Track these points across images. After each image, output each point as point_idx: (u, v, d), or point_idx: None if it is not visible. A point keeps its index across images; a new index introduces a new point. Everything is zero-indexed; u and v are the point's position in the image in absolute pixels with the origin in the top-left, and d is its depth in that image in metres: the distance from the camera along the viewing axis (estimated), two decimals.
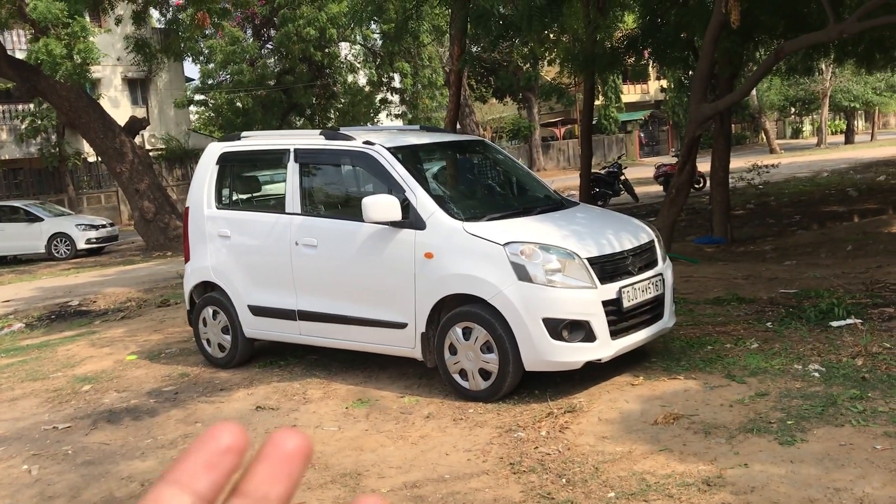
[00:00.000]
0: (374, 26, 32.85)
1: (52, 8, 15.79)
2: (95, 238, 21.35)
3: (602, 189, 20.27)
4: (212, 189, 7.19)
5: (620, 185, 20.97)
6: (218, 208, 7.17)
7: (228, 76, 32.71)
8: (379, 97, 36.26)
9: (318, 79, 33.49)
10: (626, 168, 22.21)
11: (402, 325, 5.92)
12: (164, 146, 33.11)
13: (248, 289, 6.92)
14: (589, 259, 5.42)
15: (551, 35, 12.98)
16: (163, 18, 23.48)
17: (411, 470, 4.62)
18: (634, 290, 5.62)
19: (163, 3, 22.22)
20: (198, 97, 34.61)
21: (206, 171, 7.24)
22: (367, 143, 6.22)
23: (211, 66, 32.56)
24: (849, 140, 47.41)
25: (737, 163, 17.32)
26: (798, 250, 11.56)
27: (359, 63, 34.60)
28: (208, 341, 7.34)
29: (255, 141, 7.16)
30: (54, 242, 20.89)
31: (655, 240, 6.13)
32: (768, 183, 20.85)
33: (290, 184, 6.60)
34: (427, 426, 5.28)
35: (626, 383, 5.67)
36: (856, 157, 32.83)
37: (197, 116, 41.09)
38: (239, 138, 7.24)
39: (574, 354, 5.34)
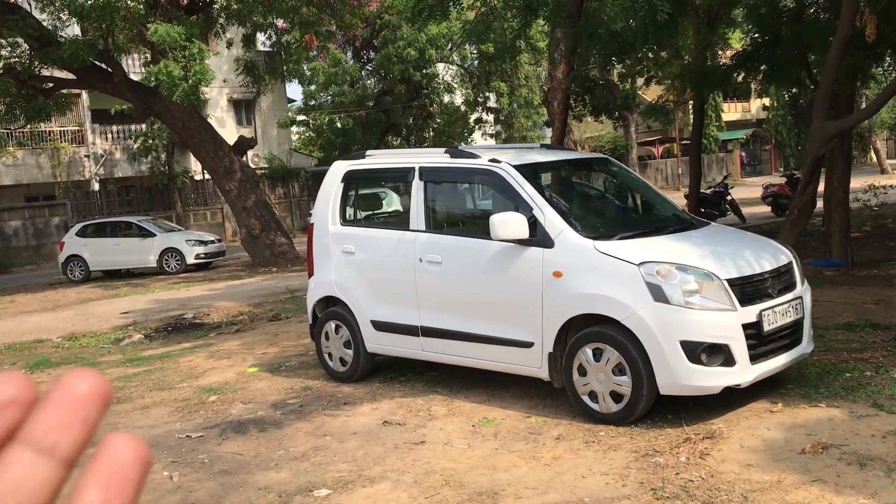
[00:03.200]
0: (472, 47, 33.16)
1: (171, 32, 16.47)
2: (204, 253, 22.04)
3: (708, 209, 19.78)
4: (336, 206, 7.31)
5: (727, 206, 20.44)
6: (342, 225, 7.29)
7: (330, 97, 33.46)
8: (474, 117, 36.45)
9: (415, 99, 33.92)
10: (732, 188, 21.66)
11: (529, 345, 5.87)
12: (266, 165, 34.04)
13: (370, 304, 6.99)
14: (728, 280, 5.26)
15: (664, 54, 12.79)
16: (267, 42, 24.25)
17: (548, 491, 4.55)
18: (774, 313, 5.42)
19: (269, 27, 22.95)
20: (300, 118, 35.47)
21: (331, 189, 7.37)
22: (493, 161, 6.22)
23: (313, 87, 33.37)
24: None
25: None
26: None
27: (455, 83, 34.90)
28: (330, 355, 7.44)
29: (380, 160, 7.27)
30: (165, 257, 21.66)
31: (794, 261, 5.92)
32: (884, 204, 19.97)
33: (414, 201, 6.66)
34: (559, 448, 5.20)
35: (764, 410, 5.47)
36: None
37: (297, 137, 42.14)
38: (363, 156, 7.36)
39: (712, 379, 5.18)
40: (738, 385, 5.25)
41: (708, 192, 20.72)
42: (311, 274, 7.63)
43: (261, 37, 23.99)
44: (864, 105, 20.96)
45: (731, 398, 5.56)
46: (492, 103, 35.19)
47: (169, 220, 28.19)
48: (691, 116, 42.10)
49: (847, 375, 6.09)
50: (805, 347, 5.79)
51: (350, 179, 7.31)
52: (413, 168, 6.72)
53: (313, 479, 5.10)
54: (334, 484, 4.97)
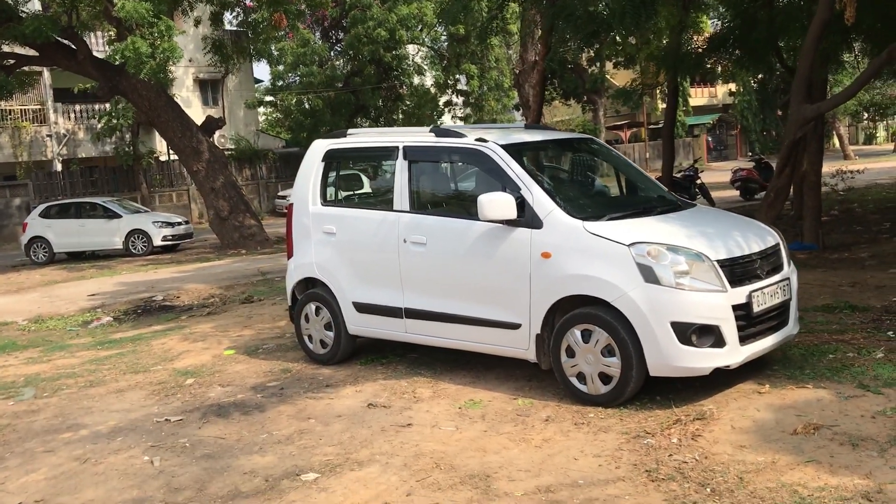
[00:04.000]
0: (442, 29, 32.92)
1: (138, 7, 16.08)
2: (171, 235, 21.70)
3: (679, 193, 19.86)
4: (317, 186, 7.17)
5: (697, 190, 20.57)
6: (323, 205, 7.15)
7: (298, 78, 33.04)
8: (444, 99, 36.26)
9: (385, 80, 33.62)
10: (702, 172, 21.80)
11: (516, 326, 5.81)
12: (233, 146, 33.59)
13: (352, 285, 6.88)
14: (718, 261, 5.24)
15: (641, 35, 12.76)
16: (234, 21, 23.82)
17: (542, 474, 4.50)
18: (763, 294, 5.41)
19: (237, 5, 22.54)
20: (268, 98, 35.00)
21: (311, 168, 7.23)
22: (479, 141, 6.12)
23: (281, 67, 32.92)
24: None
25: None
26: None
27: (426, 65, 34.64)
28: (310, 337, 7.32)
29: (362, 138, 7.14)
30: (132, 239, 21.29)
31: (780, 243, 5.92)
32: (851, 189, 20.23)
33: (398, 181, 6.54)
34: (548, 429, 5.16)
35: (751, 391, 5.47)
36: None
37: (264, 118, 41.61)
38: (345, 135, 7.22)
39: (703, 360, 5.16)
40: (728, 366, 5.24)
41: (678, 176, 20.83)
42: (290, 255, 7.48)
43: (228, 15, 23.57)
44: (835, 91, 21.17)
45: (719, 379, 5.54)
46: (462, 86, 35.01)
47: (134, 201, 27.70)
48: (659, 101, 42.29)
49: (830, 356, 6.11)
50: (791, 329, 5.80)
51: (331, 158, 7.17)
52: (397, 147, 6.60)
53: (300, 462, 4.99)
54: (322, 467, 4.87)
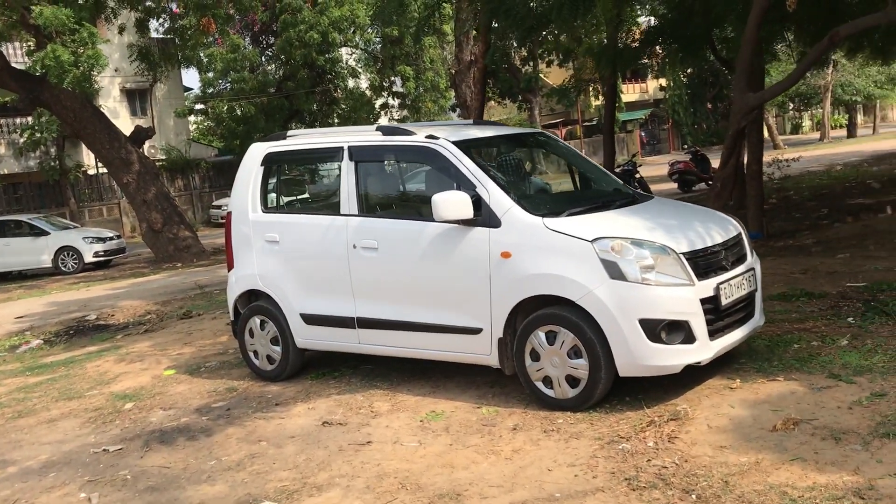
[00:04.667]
0: (376, 30, 32.56)
1: (58, 14, 15.35)
2: (103, 251, 20.90)
3: None
4: (256, 192, 6.78)
5: (636, 184, 20.62)
6: (264, 212, 6.77)
7: (229, 84, 32.27)
8: (380, 102, 35.87)
9: (319, 84, 33.08)
10: (640, 166, 21.89)
11: (477, 331, 5.52)
12: (164, 157, 32.65)
13: (299, 296, 6.51)
14: (684, 254, 5.04)
15: (581, 28, 12.66)
16: (161, 28, 23.06)
17: (515, 488, 4.22)
18: (730, 286, 5.23)
19: (163, 11, 21.81)
20: (198, 106, 34.12)
21: (249, 174, 6.84)
22: (430, 138, 5.83)
23: (210, 74, 32.10)
24: (851, 134, 47.23)
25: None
26: (843, 243, 11.17)
27: (360, 68, 34.20)
28: (255, 353, 6.93)
29: (303, 140, 6.76)
30: (61, 256, 20.43)
31: (742, 232, 5.76)
32: (787, 178, 20.51)
33: (344, 183, 6.20)
34: (517, 439, 4.88)
35: (722, 387, 5.28)
36: (862, 150, 32.60)
37: (195, 126, 40.60)
38: (284, 137, 6.85)
39: (673, 357, 4.95)
40: (699, 363, 5.04)
41: (617, 170, 20.86)
42: (230, 267, 7.08)
43: (154, 22, 22.79)
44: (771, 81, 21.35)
45: (687, 376, 5.33)
46: (398, 88, 34.67)
47: (62, 217, 26.68)
48: (592, 98, 42.60)
49: (795, 346, 5.98)
50: (758, 320, 5.64)
51: (270, 162, 6.79)
52: (342, 147, 6.26)
53: (253, 490, 4.63)
54: (277, 495, 4.51)
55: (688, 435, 4.59)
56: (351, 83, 34.77)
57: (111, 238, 21.52)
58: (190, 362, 8.11)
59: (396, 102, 35.35)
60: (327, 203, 6.64)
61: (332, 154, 6.35)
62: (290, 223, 6.63)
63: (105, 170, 29.12)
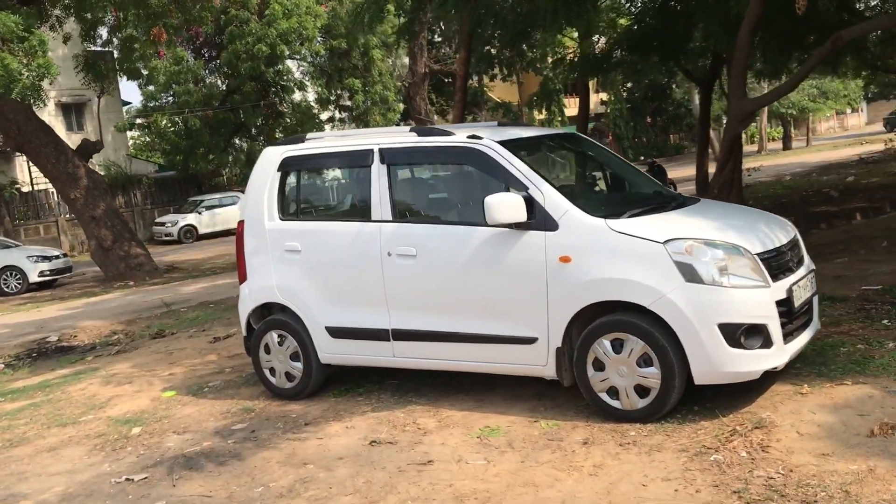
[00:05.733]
0: (319, 42, 32.10)
1: (6, 21, 14.54)
2: (49, 270, 19.89)
3: None
4: (273, 199, 6.37)
5: (672, 186, 20.59)
6: (283, 220, 6.35)
7: (172, 97, 31.33)
8: (326, 115, 35.36)
9: (264, 98, 32.41)
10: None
11: (531, 340, 5.22)
12: (103, 173, 31.46)
13: (324, 308, 6.11)
14: (758, 255, 4.84)
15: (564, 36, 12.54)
16: (109, 36, 22.23)
17: None
18: (799, 288, 5.06)
19: (109, 22, 21.02)
20: (139, 121, 33.05)
21: (264, 180, 6.42)
22: (473, 138, 5.52)
23: (152, 87, 31.13)
24: (786, 146, 48.53)
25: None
26: (829, 249, 11.22)
27: (307, 80, 33.65)
28: (272, 370, 6.49)
29: (325, 142, 6.37)
30: (4, 276, 19.36)
31: (797, 233, 5.60)
32: (747, 187, 20.78)
33: (375, 187, 5.84)
34: (593, 454, 4.59)
35: (792, 392, 5.09)
36: (805, 161, 33.46)
37: (133, 142, 39.34)
38: (303, 140, 6.45)
39: (752, 363, 4.73)
40: (776, 368, 4.84)
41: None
42: (242, 279, 6.63)
43: (102, 32, 21.97)
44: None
45: (749, 383, 5.11)
46: (345, 101, 34.22)
47: None
48: (535, 113, 42.75)
49: (843, 350, 5.85)
50: (816, 324, 5.48)
51: (288, 167, 6.38)
52: (371, 150, 5.90)
53: None
54: None
55: (780, 443, 4.37)
56: (298, 96, 34.18)
57: (57, 257, 20.51)
58: (188, 383, 7.59)
59: (344, 115, 34.87)
60: (355, 209, 6.26)
61: (361, 157, 5.98)
62: (312, 231, 6.24)
63: (42, 187, 27.97)
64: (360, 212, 6.02)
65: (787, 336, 4.90)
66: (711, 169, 20.15)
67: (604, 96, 49.06)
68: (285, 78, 32.56)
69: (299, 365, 6.32)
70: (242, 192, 33.62)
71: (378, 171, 5.83)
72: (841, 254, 10.53)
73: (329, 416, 5.92)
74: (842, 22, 11.42)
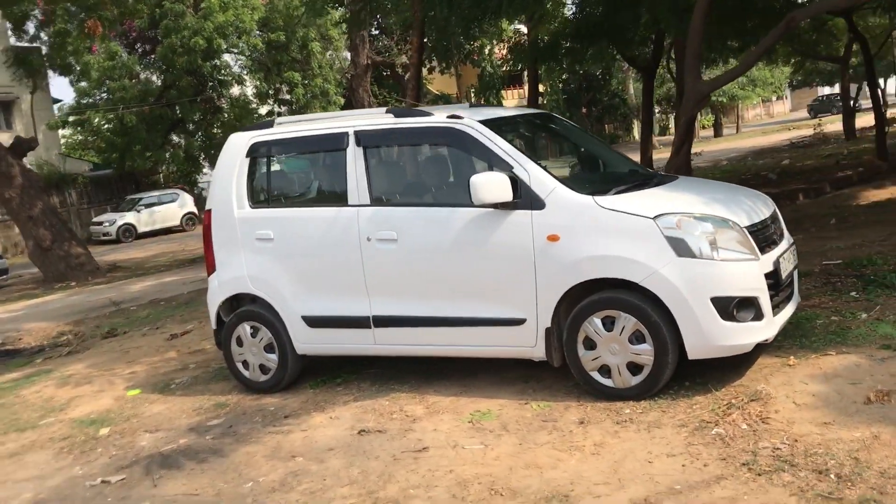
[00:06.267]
0: (258, 35, 31.51)
1: None
2: None
3: None
4: (242, 186, 6.15)
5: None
6: (253, 207, 6.14)
7: (106, 94, 30.37)
8: (266, 109, 34.75)
9: (202, 93, 31.68)
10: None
11: (520, 322, 5.13)
12: (36, 172, 30.38)
13: (300, 297, 5.93)
14: (747, 227, 4.84)
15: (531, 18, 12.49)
16: (39, 30, 21.45)
17: (626, 485, 3.87)
18: (784, 260, 5.08)
19: (37, 16, 20.25)
20: (73, 118, 31.97)
21: (232, 167, 6.19)
22: (453, 118, 5.40)
23: (85, 84, 30.12)
24: (717, 133, 49.55)
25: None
26: None
27: (245, 74, 33.00)
28: (245, 363, 6.28)
29: (296, 126, 6.18)
30: None
31: (776, 208, 5.63)
32: None
33: (352, 172, 5.68)
34: (593, 433, 4.53)
35: (780, 364, 5.11)
36: (739, 147, 34.16)
37: (65, 140, 38.06)
38: (271, 125, 6.25)
39: (745, 336, 4.72)
40: (766, 340, 4.85)
41: None
42: (210, 271, 6.39)
43: (31, 25, 21.16)
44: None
45: (736, 357, 5.10)
46: (284, 95, 33.67)
47: None
48: (478, 104, 42.87)
49: (819, 322, 5.91)
50: (797, 297, 5.53)
51: (257, 153, 6.17)
52: (346, 133, 5.73)
53: None
54: None
55: (779, 414, 4.37)
56: (236, 90, 33.50)
57: None
58: (152, 381, 7.31)
59: (283, 109, 34.32)
60: (331, 194, 6.08)
61: (335, 140, 5.80)
62: (285, 218, 6.05)
63: None
64: (336, 197, 5.85)
65: (775, 308, 4.91)
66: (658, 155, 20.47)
67: (541, 87, 49.35)
68: (223, 72, 31.89)
69: (274, 357, 6.13)
70: (183, 189, 32.83)
71: (354, 155, 5.67)
72: (794, 232, 10.67)
73: (309, 407, 5.75)
74: (785, 6, 11.64)
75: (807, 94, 63.64)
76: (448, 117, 5.42)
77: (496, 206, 5.06)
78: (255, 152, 6.16)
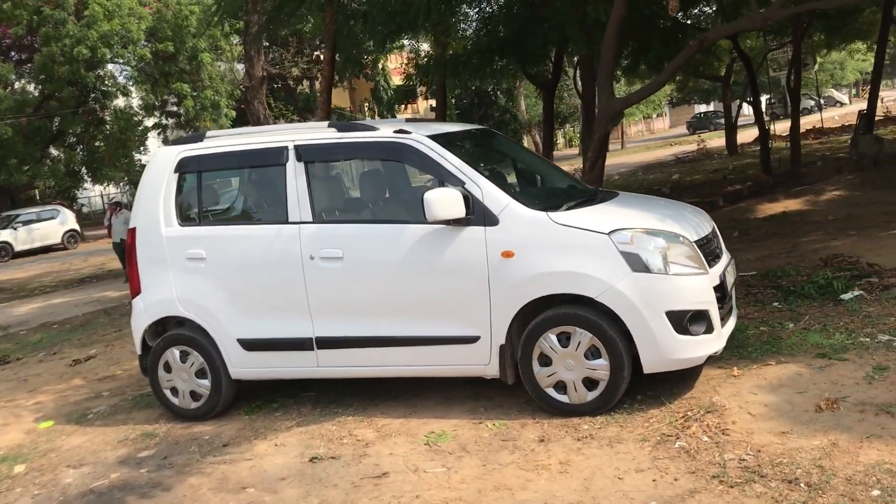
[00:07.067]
0: (145, 45, 30.41)
1: None
2: None
3: None
4: (170, 204, 5.84)
5: None
6: (182, 226, 5.84)
7: None
8: (152, 121, 33.55)
9: (84, 104, 30.27)
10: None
11: (473, 339, 5.06)
12: None
13: (235, 320, 5.67)
14: (696, 242, 4.93)
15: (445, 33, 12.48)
16: None
17: (602, 503, 3.84)
18: (728, 274, 5.21)
19: None
20: None
21: (159, 183, 5.88)
22: (401, 133, 5.30)
23: None
24: None
25: None
26: None
27: (131, 85, 31.73)
28: (174, 390, 5.95)
29: (228, 140, 5.92)
30: None
31: (714, 223, 5.78)
32: None
33: (292, 187, 5.48)
34: (555, 451, 4.50)
35: (724, 375, 5.22)
36: (626, 162, 35.21)
37: None
38: (202, 139, 5.97)
39: (698, 349, 4.80)
40: (716, 352, 4.95)
41: None
42: (135, 293, 6.04)
43: None
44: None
45: (678, 371, 5.18)
46: (173, 106, 32.58)
47: None
48: (369, 118, 42.79)
49: (750, 333, 6.09)
50: (736, 309, 5.68)
51: (186, 169, 5.88)
52: (285, 148, 5.53)
53: None
54: None
55: (736, 425, 4.46)
56: (121, 102, 32.18)
57: None
58: (64, 411, 6.85)
59: (171, 122, 33.21)
60: (269, 210, 5.84)
61: (273, 155, 5.59)
62: (219, 236, 5.77)
63: None
64: (275, 214, 5.63)
65: (721, 320, 5.02)
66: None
67: (433, 102, 49.71)
68: (107, 82, 30.58)
69: (206, 382, 5.84)
70: (62, 204, 31.16)
71: (294, 170, 5.48)
72: None
73: (248, 434, 5.49)
74: (690, 28, 12.08)
75: (685, 112, 66.41)
76: (395, 132, 5.31)
77: (449, 222, 4.99)
78: (183, 167, 5.87)
